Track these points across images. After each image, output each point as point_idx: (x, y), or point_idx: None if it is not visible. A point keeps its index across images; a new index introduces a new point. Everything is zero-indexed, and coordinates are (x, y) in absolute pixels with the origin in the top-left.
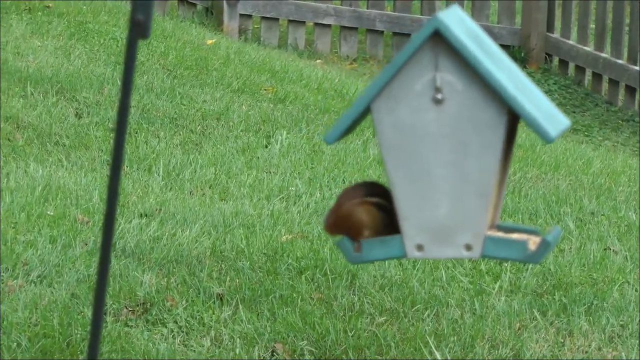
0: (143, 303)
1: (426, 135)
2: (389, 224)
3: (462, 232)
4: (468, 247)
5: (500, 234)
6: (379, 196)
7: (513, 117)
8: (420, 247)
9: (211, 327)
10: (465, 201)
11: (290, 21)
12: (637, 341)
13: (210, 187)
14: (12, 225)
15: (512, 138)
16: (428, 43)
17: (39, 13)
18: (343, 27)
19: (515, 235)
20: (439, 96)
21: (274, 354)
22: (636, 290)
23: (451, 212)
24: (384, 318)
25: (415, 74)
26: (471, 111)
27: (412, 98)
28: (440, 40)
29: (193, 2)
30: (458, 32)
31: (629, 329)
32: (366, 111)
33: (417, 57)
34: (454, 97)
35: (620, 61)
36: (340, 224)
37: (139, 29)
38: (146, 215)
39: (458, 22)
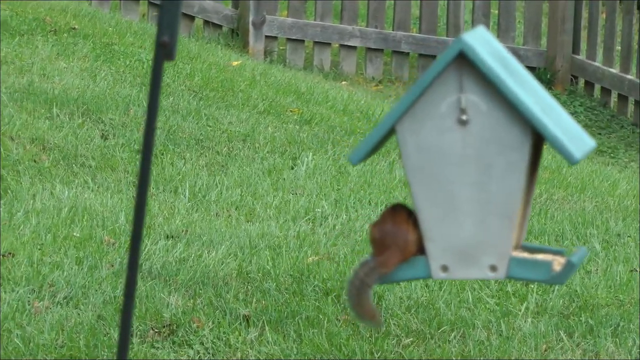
0: (169, 324)
1: (451, 156)
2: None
3: (486, 253)
4: (493, 268)
5: (525, 255)
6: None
7: (538, 138)
8: (445, 268)
9: (237, 348)
10: (490, 223)
11: (315, 43)
12: None
13: (236, 209)
14: (39, 247)
15: (537, 159)
16: (453, 64)
17: (65, 35)
18: (369, 49)
19: (540, 256)
20: (464, 117)
21: None
22: None
23: (476, 234)
24: (410, 339)
25: (440, 95)
26: (496, 132)
27: (437, 119)
28: (465, 61)
29: (219, 24)
30: (483, 54)
31: None
32: (391, 132)
33: (442, 78)
34: (479, 118)
35: None
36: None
37: (164, 51)
38: (172, 237)
39: (483, 44)
